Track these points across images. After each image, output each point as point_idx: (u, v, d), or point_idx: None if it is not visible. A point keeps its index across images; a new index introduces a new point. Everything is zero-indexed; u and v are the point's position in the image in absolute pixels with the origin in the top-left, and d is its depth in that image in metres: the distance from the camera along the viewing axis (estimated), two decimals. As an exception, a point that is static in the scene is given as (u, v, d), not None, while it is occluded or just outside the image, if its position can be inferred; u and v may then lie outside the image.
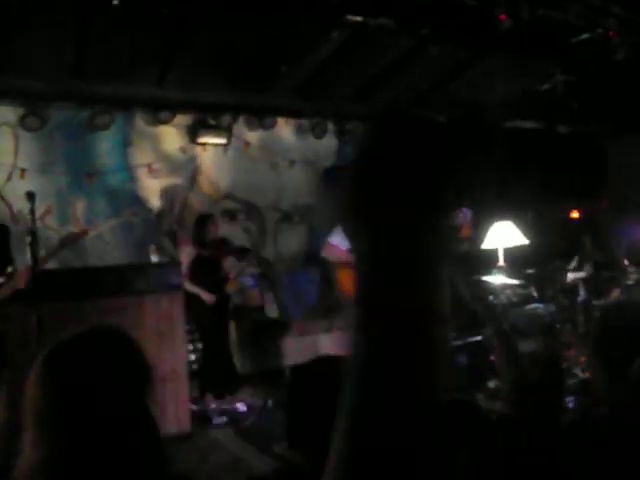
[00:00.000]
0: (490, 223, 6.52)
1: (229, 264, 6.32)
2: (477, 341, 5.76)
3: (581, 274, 6.19)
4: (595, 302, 5.96)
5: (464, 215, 4.79)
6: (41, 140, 6.47)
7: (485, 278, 6.33)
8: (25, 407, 1.27)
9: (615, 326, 1.81)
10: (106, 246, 6.76)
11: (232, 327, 6.67)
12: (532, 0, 5.09)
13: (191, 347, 6.16)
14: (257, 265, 7.46)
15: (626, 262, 6.43)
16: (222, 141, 7.28)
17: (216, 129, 7.22)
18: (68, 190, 6.62)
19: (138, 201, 7.00)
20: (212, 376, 5.98)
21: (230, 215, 7.51)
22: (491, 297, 5.93)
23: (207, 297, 5.88)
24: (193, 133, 7.19)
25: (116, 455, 1.25)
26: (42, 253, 4.43)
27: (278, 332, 7.08)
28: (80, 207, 6.69)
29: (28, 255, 4.06)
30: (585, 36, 5.56)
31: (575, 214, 8.96)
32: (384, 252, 0.59)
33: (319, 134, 7.87)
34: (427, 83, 7.07)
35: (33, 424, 1.25)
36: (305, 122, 7.83)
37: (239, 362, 6.89)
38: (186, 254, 6.06)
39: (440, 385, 0.60)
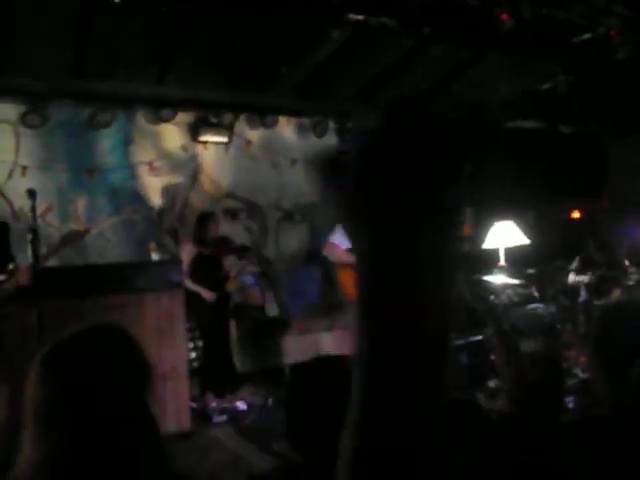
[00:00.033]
0: (491, 223, 6.52)
1: (230, 263, 6.32)
2: (478, 341, 5.76)
3: (584, 278, 6.19)
4: (596, 302, 5.96)
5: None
6: (42, 138, 6.47)
7: (486, 278, 6.33)
8: (25, 405, 1.27)
9: (615, 326, 1.81)
10: (107, 244, 6.76)
11: (232, 325, 6.67)
12: (534, 0, 5.09)
13: (191, 345, 6.16)
14: (258, 264, 7.46)
15: (627, 262, 6.43)
16: (223, 139, 7.28)
17: (217, 127, 7.21)
18: (69, 188, 6.62)
19: (139, 199, 7.00)
20: (212, 374, 5.98)
21: (231, 214, 7.51)
22: (492, 297, 5.92)
23: (208, 295, 5.88)
24: (194, 131, 7.18)
25: (116, 453, 1.24)
26: (43, 251, 4.44)
27: (278, 331, 7.08)
28: (81, 205, 6.69)
29: (29, 253, 4.06)
30: (587, 36, 5.56)
31: (576, 214, 8.96)
32: (384, 252, 0.59)
33: (320, 133, 7.86)
34: (429, 83, 7.05)
35: (33, 422, 1.25)
36: (306, 121, 7.83)
37: (239, 360, 6.89)
38: (187, 252, 6.05)
39: (442, 385, 0.60)
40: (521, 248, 6.45)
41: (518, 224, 6.51)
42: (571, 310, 6.19)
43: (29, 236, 4.06)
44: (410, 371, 0.58)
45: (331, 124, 7.95)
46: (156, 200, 7.09)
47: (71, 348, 1.33)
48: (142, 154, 7.03)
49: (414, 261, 0.59)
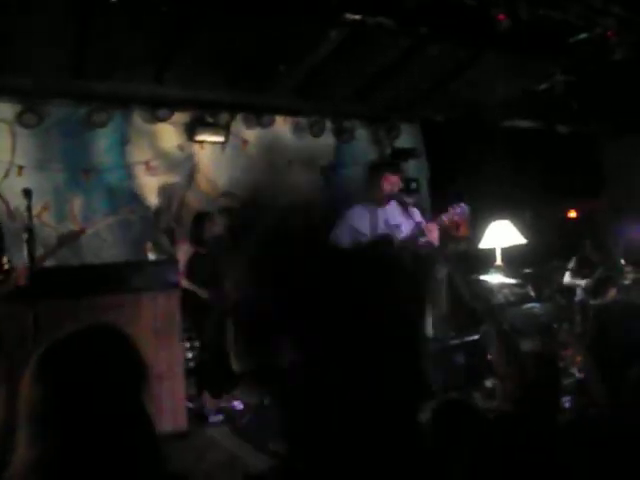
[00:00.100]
0: (488, 222, 6.54)
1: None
2: (474, 340, 5.76)
3: (581, 282, 6.21)
4: (592, 302, 5.97)
5: (463, 212, 4.78)
6: (38, 137, 6.45)
7: (483, 277, 6.34)
8: (20, 405, 1.26)
9: (610, 326, 1.81)
10: (103, 244, 6.75)
11: (229, 325, 6.65)
12: (531, 0, 5.09)
13: (188, 345, 6.15)
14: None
15: (623, 262, 6.45)
16: (220, 139, 7.27)
17: (214, 127, 7.20)
18: (65, 187, 6.61)
19: (136, 199, 6.99)
20: (209, 374, 5.97)
21: (227, 213, 7.49)
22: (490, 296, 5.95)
23: (204, 295, 5.87)
24: (191, 131, 7.17)
25: (111, 453, 1.24)
26: (39, 250, 4.42)
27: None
28: (77, 204, 6.68)
29: (25, 252, 4.05)
30: (584, 36, 5.56)
31: (573, 214, 8.98)
32: None
33: (317, 132, 7.86)
34: (426, 83, 7.06)
35: (28, 422, 1.25)
36: (303, 120, 7.83)
37: (235, 360, 6.87)
38: (183, 252, 6.04)
39: None
40: (518, 248, 6.46)
41: (515, 224, 6.53)
42: (567, 310, 6.21)
43: (25, 236, 4.05)
44: None
45: (328, 124, 7.94)
46: (153, 200, 7.08)
47: (67, 348, 1.33)
48: (138, 154, 7.02)
49: None
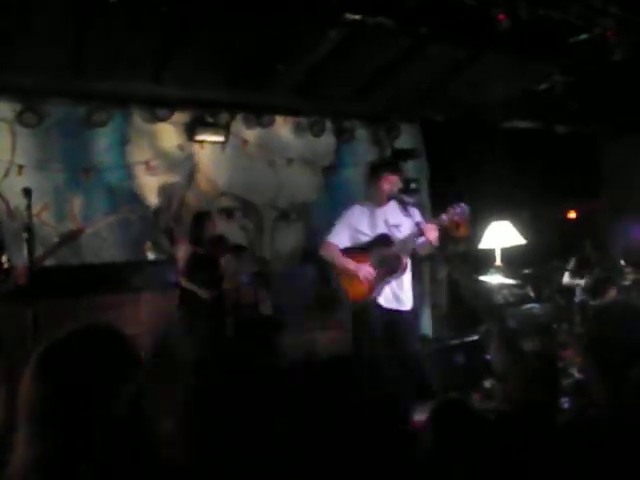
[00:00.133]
0: (488, 223, 6.54)
1: (225, 262, 6.30)
2: (473, 340, 5.77)
3: (581, 281, 6.20)
4: (592, 302, 5.97)
5: (463, 212, 4.78)
6: (38, 137, 6.45)
7: (482, 278, 6.34)
8: (19, 404, 1.27)
9: (609, 327, 1.81)
10: (103, 243, 6.74)
11: (229, 325, 6.65)
12: (531, 0, 5.09)
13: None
14: (255, 263, 7.46)
15: (622, 262, 6.45)
16: (220, 139, 7.27)
17: (214, 127, 7.20)
18: (65, 187, 6.61)
19: (135, 198, 6.99)
20: (207, 374, 5.97)
21: (227, 213, 7.50)
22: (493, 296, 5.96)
23: (203, 294, 5.87)
24: (191, 131, 7.17)
25: (110, 453, 1.24)
26: (39, 250, 4.42)
27: (273, 330, 7.07)
28: (77, 204, 6.67)
29: (25, 252, 4.05)
30: (583, 36, 5.56)
31: (572, 214, 8.98)
32: None
33: (317, 132, 7.86)
34: (426, 83, 7.06)
35: (27, 422, 1.25)
36: (303, 120, 7.83)
37: (233, 360, 6.88)
38: (183, 252, 6.04)
39: None
40: (517, 248, 6.46)
41: (514, 224, 6.53)
42: (567, 310, 6.20)
43: (25, 235, 4.06)
44: None
45: (328, 124, 7.95)
46: (152, 199, 7.08)
47: (66, 348, 1.33)
48: (138, 153, 7.02)
49: None
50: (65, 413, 1.24)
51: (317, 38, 5.83)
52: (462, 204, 4.81)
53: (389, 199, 5.03)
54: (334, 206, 6.66)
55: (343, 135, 8.04)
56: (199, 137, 7.17)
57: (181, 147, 7.25)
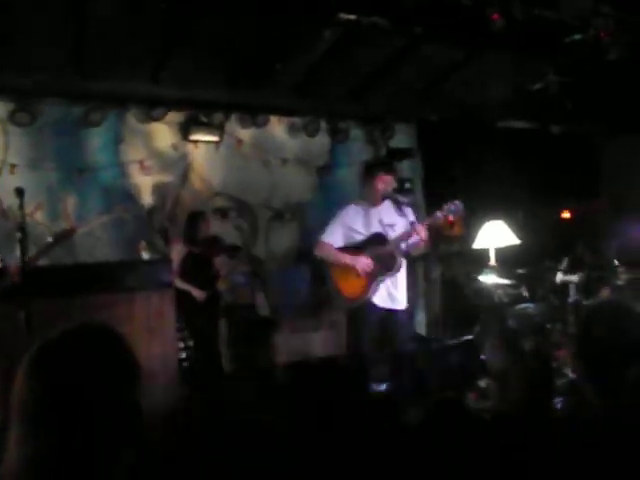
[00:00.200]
0: (482, 222, 6.54)
1: (220, 262, 6.29)
2: (468, 340, 5.76)
3: (573, 277, 6.20)
4: (585, 302, 5.98)
5: (457, 209, 4.80)
6: (31, 136, 6.43)
7: (476, 277, 6.35)
8: (12, 404, 1.26)
9: (601, 327, 1.81)
10: (97, 242, 6.72)
11: (223, 325, 6.65)
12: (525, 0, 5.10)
13: (182, 345, 6.14)
14: (248, 263, 7.45)
15: (616, 262, 6.46)
16: (214, 138, 7.25)
17: (208, 126, 7.19)
18: (59, 186, 6.58)
19: (130, 198, 6.97)
20: (202, 374, 5.96)
21: (222, 213, 7.48)
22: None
23: (198, 294, 5.87)
24: (185, 130, 7.16)
25: (103, 453, 1.24)
26: (32, 249, 4.40)
27: (268, 330, 7.06)
28: (71, 203, 6.65)
29: (18, 251, 4.03)
30: (578, 36, 5.57)
31: (567, 214, 8.99)
32: None
33: (312, 132, 7.85)
34: (421, 82, 7.06)
35: (20, 421, 1.24)
36: (298, 120, 7.82)
37: (229, 360, 6.88)
38: (177, 251, 6.03)
39: None
40: (512, 248, 6.47)
41: (509, 224, 6.54)
42: (561, 310, 6.20)
43: (18, 235, 4.04)
44: None
45: (323, 124, 7.94)
46: (146, 199, 7.06)
47: (59, 347, 1.32)
48: (132, 153, 7.00)
49: None
50: (58, 413, 1.23)
51: (312, 38, 5.83)
52: (457, 201, 4.83)
53: (384, 199, 5.04)
54: (329, 206, 6.65)
55: (338, 135, 8.03)
56: (193, 137, 7.15)
57: (175, 147, 7.23)
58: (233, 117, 7.47)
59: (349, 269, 4.95)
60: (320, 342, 6.87)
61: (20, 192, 4.13)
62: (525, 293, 6.60)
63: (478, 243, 6.52)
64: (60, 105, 6.53)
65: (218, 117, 7.26)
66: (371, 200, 5.08)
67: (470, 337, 5.76)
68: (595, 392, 1.75)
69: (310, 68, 6.41)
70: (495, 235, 6.41)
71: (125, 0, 4.70)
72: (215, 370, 6.10)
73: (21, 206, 4.11)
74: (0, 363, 3.94)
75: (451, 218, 4.82)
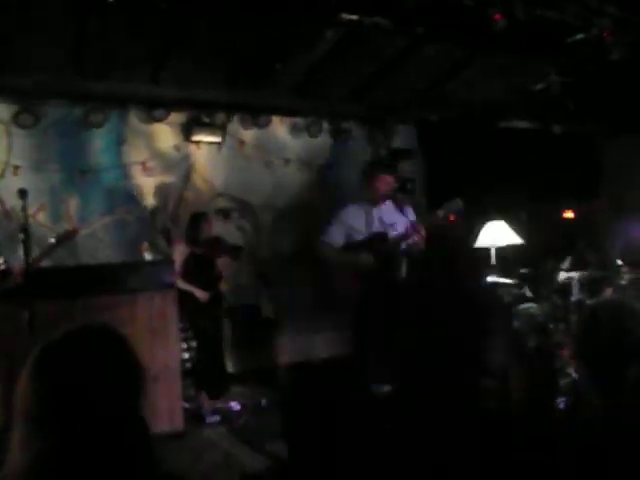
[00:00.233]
0: (483, 222, 6.55)
1: (222, 262, 6.30)
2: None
3: (574, 274, 6.19)
4: (588, 302, 5.97)
5: (457, 207, 4.82)
6: (34, 137, 6.44)
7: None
8: (15, 406, 1.26)
9: (603, 326, 1.81)
10: (99, 244, 6.74)
11: (226, 326, 6.65)
12: (527, 0, 5.10)
13: (185, 346, 6.15)
14: (251, 264, 7.45)
15: (619, 262, 6.44)
16: (216, 139, 7.26)
17: (210, 127, 7.20)
18: (61, 187, 6.60)
19: (132, 199, 6.98)
20: (206, 375, 5.96)
21: (224, 213, 7.49)
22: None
23: (201, 295, 5.87)
24: (187, 131, 7.16)
25: (106, 455, 1.24)
26: (35, 250, 4.42)
27: (272, 331, 7.07)
28: (73, 205, 6.66)
29: (21, 253, 4.05)
30: (580, 36, 5.56)
31: (569, 214, 8.99)
32: None
33: (314, 133, 7.86)
34: (422, 83, 7.06)
35: (23, 422, 1.25)
36: (300, 121, 7.82)
37: (233, 361, 6.89)
38: (179, 252, 6.03)
39: None
40: (515, 247, 6.47)
41: (510, 224, 6.54)
42: (564, 310, 6.19)
43: (21, 236, 4.05)
44: None
45: (325, 124, 7.94)
46: (149, 200, 7.07)
47: (62, 349, 1.32)
48: (135, 154, 7.01)
49: None
50: (61, 414, 1.23)
51: (313, 38, 5.83)
52: (457, 199, 4.86)
53: (384, 199, 5.06)
54: (330, 206, 6.65)
55: (340, 135, 8.03)
56: (195, 137, 7.16)
57: (177, 147, 7.24)
58: (235, 118, 7.47)
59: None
60: (324, 343, 6.88)
61: (23, 193, 4.14)
62: (528, 293, 6.59)
63: (479, 243, 6.52)
64: (62, 107, 6.54)
65: (220, 118, 7.27)
66: (372, 200, 5.10)
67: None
68: (595, 392, 1.75)
69: (311, 68, 6.42)
70: (496, 235, 6.41)
71: (125, 0, 4.70)
72: (218, 371, 6.11)
73: (24, 207, 4.13)
74: (3, 364, 3.97)
75: (452, 217, 4.85)
